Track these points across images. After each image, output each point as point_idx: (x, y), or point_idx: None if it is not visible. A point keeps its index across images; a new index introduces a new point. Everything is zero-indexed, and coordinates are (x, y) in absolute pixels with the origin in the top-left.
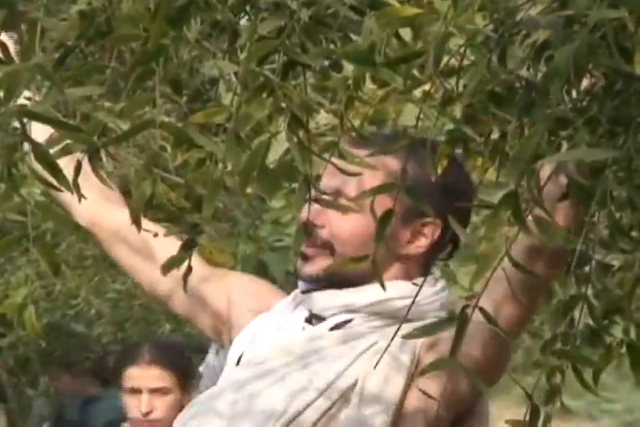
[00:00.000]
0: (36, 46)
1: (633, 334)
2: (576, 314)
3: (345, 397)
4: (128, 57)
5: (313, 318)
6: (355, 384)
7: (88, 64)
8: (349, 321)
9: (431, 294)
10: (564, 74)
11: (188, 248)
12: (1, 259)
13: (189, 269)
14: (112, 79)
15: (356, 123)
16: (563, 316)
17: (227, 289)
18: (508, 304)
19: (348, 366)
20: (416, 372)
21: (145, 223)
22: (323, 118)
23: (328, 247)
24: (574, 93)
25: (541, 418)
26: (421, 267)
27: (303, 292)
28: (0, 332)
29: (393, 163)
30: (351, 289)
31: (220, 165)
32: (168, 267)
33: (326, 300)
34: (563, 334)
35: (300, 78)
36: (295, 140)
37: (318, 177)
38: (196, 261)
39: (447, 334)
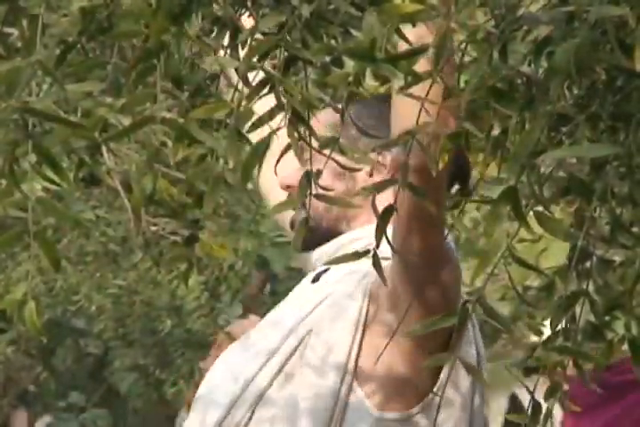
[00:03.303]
0: (38, 42)
1: (634, 329)
2: (577, 310)
3: (302, 345)
4: (129, 53)
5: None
6: (306, 337)
7: (89, 60)
8: (326, 271)
9: None
10: (565, 70)
11: (189, 244)
12: (2, 255)
13: (190, 265)
14: (113, 75)
15: None
16: (564, 312)
17: None
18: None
19: (306, 315)
20: (366, 323)
21: None
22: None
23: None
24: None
25: (542, 414)
26: None
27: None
28: (1, 328)
29: (327, 115)
30: (332, 241)
31: (221, 161)
32: (170, 262)
33: (314, 256)
34: (564, 330)
35: (300, 74)
36: (296, 135)
37: (319, 173)
38: None
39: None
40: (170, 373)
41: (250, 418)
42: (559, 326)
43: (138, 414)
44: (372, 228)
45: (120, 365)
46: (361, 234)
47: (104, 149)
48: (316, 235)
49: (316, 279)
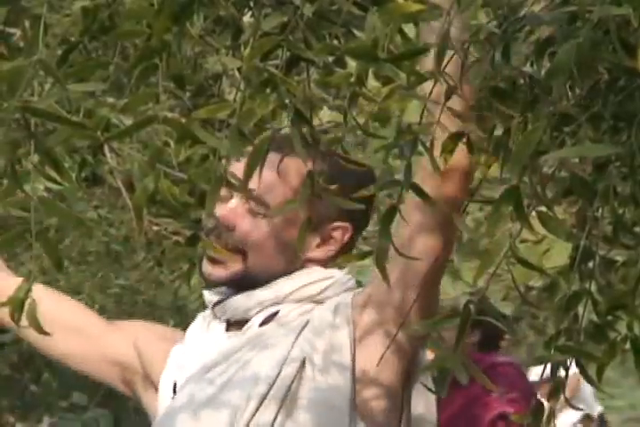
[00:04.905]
0: (40, 42)
1: (637, 329)
2: (580, 310)
3: (298, 377)
4: (131, 53)
5: (234, 326)
6: (302, 364)
7: (91, 60)
8: (276, 313)
9: (342, 276)
10: (567, 70)
11: (191, 244)
12: (4, 255)
13: (192, 265)
14: (115, 75)
15: (361, 120)
16: (566, 312)
17: (130, 338)
18: (423, 234)
19: (289, 351)
20: (356, 336)
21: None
22: (326, 115)
23: (240, 252)
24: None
25: (545, 414)
26: (325, 266)
27: (215, 304)
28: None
29: (302, 167)
30: (265, 286)
31: (224, 161)
32: (173, 262)
33: (247, 300)
34: (566, 330)
35: (303, 74)
36: (299, 136)
37: (321, 173)
38: (89, 317)
39: (373, 290)
40: None
41: None
42: (562, 326)
43: (140, 413)
44: (322, 271)
45: None
46: (319, 276)
47: (106, 148)
48: (254, 279)
49: (265, 322)
